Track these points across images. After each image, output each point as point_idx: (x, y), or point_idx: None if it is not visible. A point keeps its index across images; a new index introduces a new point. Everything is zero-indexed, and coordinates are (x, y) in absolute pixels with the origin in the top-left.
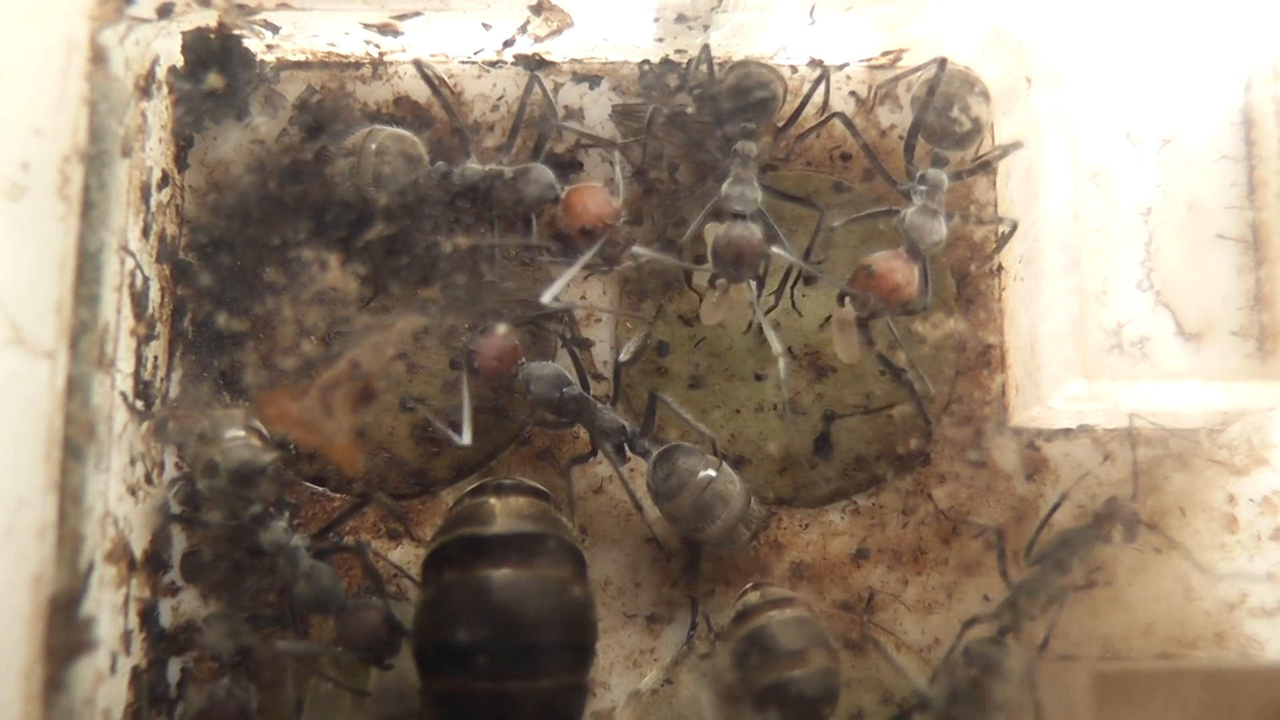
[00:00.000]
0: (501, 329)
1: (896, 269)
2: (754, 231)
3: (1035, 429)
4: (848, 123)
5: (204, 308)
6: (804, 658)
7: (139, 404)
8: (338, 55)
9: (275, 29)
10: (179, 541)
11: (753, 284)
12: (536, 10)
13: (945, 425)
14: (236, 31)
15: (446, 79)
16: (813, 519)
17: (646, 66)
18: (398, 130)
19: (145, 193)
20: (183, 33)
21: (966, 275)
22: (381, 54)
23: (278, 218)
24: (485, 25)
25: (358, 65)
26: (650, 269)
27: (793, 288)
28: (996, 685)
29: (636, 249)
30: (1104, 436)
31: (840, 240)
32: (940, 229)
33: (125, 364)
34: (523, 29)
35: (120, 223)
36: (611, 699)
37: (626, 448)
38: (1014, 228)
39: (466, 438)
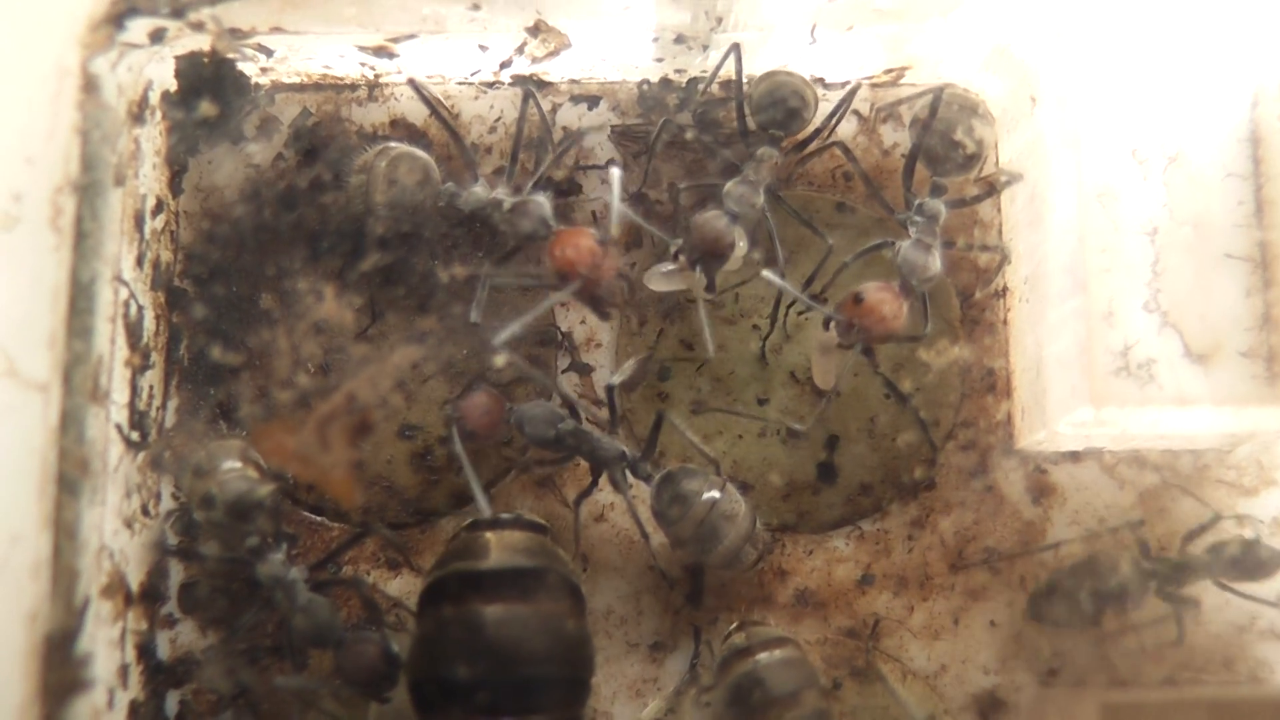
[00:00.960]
0: (479, 387)
1: (886, 301)
2: (730, 230)
3: (1041, 453)
4: (846, 151)
5: (199, 339)
6: (796, 701)
7: (135, 435)
8: (333, 78)
9: (269, 52)
10: (176, 573)
11: (702, 277)
12: (533, 32)
13: (950, 450)
14: (230, 56)
15: (443, 100)
16: (817, 545)
17: (646, 86)
18: (411, 149)
19: (139, 220)
20: (176, 57)
21: (971, 298)
22: (377, 76)
23: (273, 247)
24: (482, 47)
25: (353, 87)
26: (648, 294)
27: (788, 310)
28: None
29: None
30: (1111, 460)
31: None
32: (933, 265)
33: (120, 395)
34: (520, 50)
35: (114, 252)
36: None
37: (629, 473)
38: (1004, 258)
39: (485, 508)
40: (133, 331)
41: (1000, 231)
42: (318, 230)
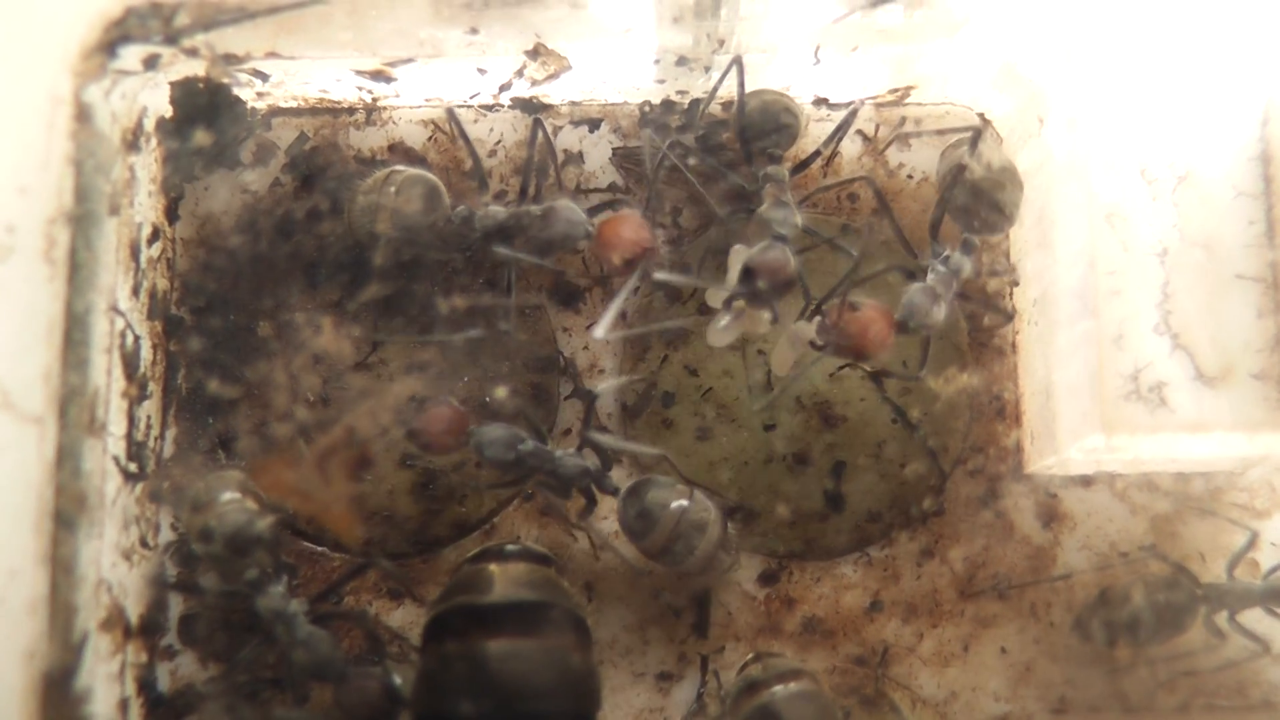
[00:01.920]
0: (445, 400)
1: (875, 324)
2: (789, 256)
3: (1051, 478)
4: (876, 190)
5: (196, 372)
6: None
7: (133, 467)
8: (330, 102)
9: (265, 77)
10: (176, 605)
11: (768, 313)
12: (533, 55)
13: (959, 476)
14: (225, 81)
15: (441, 124)
16: (824, 572)
17: (647, 108)
18: (421, 171)
19: (134, 250)
20: (170, 83)
21: (980, 325)
22: (375, 100)
23: (270, 276)
24: (480, 70)
25: (351, 111)
26: (653, 318)
27: None
28: None
29: (657, 275)
30: (1122, 486)
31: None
32: (936, 316)
33: (117, 426)
34: (519, 73)
35: (109, 282)
36: None
37: (595, 489)
38: (1013, 282)
39: None
40: (129, 362)
41: (1008, 254)
42: (315, 260)
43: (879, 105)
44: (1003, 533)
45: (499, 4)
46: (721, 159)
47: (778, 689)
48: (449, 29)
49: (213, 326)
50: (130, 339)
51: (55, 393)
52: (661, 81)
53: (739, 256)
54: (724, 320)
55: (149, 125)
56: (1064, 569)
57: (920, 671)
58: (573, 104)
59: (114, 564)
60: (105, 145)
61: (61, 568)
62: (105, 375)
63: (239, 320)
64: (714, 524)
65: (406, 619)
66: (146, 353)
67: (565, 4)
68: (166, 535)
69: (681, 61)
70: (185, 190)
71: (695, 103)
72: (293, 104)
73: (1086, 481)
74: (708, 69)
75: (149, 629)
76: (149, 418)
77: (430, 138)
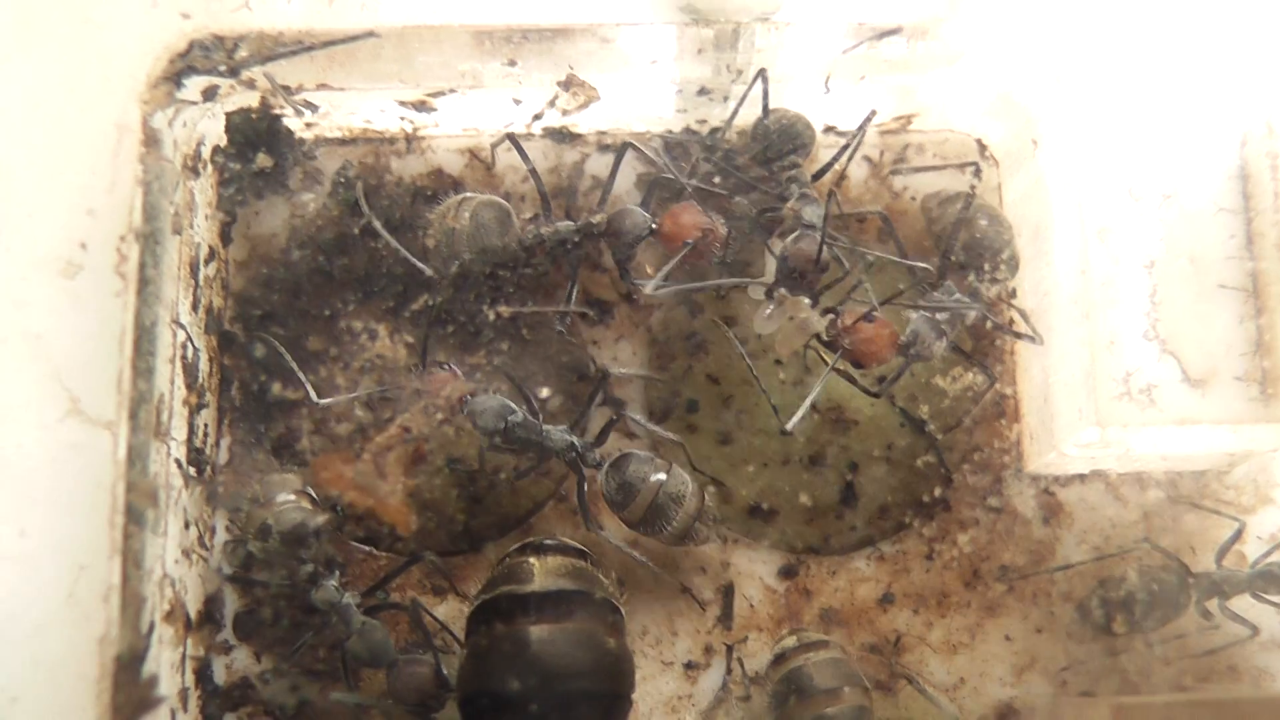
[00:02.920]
0: (449, 367)
1: (879, 338)
2: (815, 242)
3: (1050, 475)
4: (887, 222)
5: (257, 377)
6: (839, 695)
7: (192, 470)
8: (373, 131)
9: (314, 107)
10: (231, 601)
11: (806, 298)
12: (565, 85)
13: (965, 472)
14: (277, 111)
15: (477, 152)
16: (840, 566)
17: (670, 136)
18: (490, 196)
19: (194, 268)
20: (227, 113)
21: (981, 332)
22: (415, 129)
23: (326, 290)
24: (516, 100)
25: (392, 140)
26: (676, 331)
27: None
28: None
29: (650, 288)
30: (1117, 481)
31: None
32: (936, 349)
33: (179, 432)
34: (551, 103)
35: (172, 297)
36: None
37: (580, 463)
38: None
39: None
40: (190, 372)
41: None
42: (367, 274)
43: (883, 132)
44: (1006, 527)
45: (536, 38)
46: (745, 174)
47: (809, 655)
48: (489, 60)
49: (271, 335)
50: (190, 351)
51: (126, 398)
52: (683, 111)
53: (775, 246)
54: (769, 309)
55: (205, 153)
56: (1063, 561)
57: (930, 659)
58: (600, 132)
59: (176, 560)
60: (169, 169)
61: (131, 560)
62: (169, 383)
63: (290, 333)
64: (691, 497)
65: (449, 613)
66: (204, 365)
67: (596, 38)
68: (222, 537)
69: (702, 91)
70: (238, 214)
71: (715, 130)
72: (337, 134)
73: (1083, 478)
74: (726, 98)
75: (207, 623)
76: (206, 425)
77: (467, 164)
